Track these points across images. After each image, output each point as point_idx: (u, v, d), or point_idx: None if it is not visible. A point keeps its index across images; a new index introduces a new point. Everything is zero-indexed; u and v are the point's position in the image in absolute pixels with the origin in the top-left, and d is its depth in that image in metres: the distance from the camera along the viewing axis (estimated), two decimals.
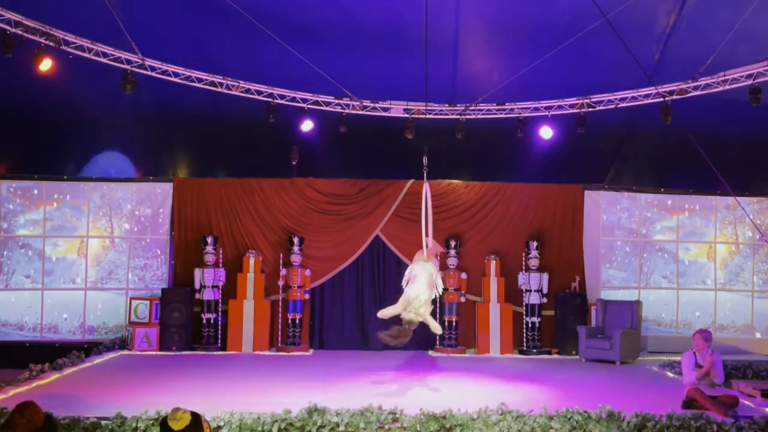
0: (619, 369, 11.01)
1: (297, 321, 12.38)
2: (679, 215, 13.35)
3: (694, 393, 7.74)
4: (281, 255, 12.55)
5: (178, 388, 8.80)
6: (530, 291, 12.51)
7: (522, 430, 6.75)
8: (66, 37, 9.55)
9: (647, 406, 7.38)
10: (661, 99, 10.48)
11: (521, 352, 12.45)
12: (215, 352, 11.96)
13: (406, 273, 9.24)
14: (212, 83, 10.68)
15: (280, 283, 12.45)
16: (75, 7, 9.54)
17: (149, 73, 10.26)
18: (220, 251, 12.39)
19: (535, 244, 12.56)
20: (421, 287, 8.73)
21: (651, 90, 10.52)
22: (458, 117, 11.51)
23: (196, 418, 3.41)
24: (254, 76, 10.88)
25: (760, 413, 7.45)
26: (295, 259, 12.42)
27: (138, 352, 11.75)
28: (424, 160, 9.70)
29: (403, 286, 9.05)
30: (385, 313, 8.80)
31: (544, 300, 12.53)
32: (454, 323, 12.48)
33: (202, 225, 12.69)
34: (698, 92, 10.35)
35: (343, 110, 11.38)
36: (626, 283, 13.18)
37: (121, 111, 11.38)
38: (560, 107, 11.36)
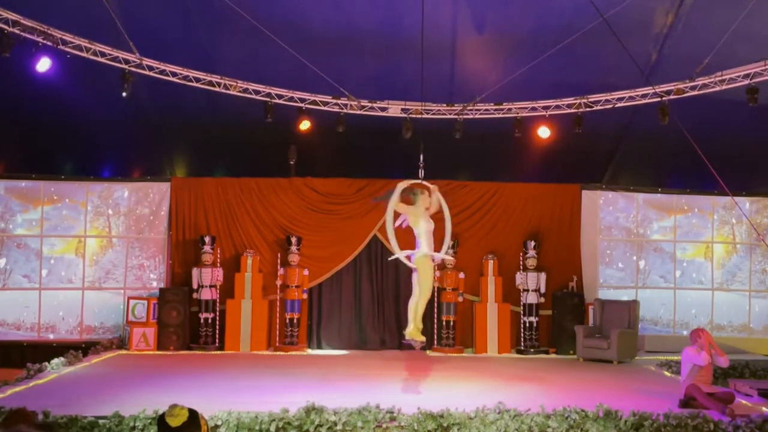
0: (617, 368, 11.03)
1: (295, 321, 12.38)
2: (676, 215, 13.37)
3: (692, 390, 7.75)
4: (279, 255, 12.55)
5: (175, 388, 8.77)
6: (528, 291, 12.52)
7: (519, 429, 6.74)
8: (64, 37, 9.55)
9: (644, 405, 7.38)
10: (659, 99, 10.49)
11: (519, 351, 12.46)
12: (213, 352, 11.96)
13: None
14: (210, 83, 10.68)
15: (278, 282, 12.45)
16: (73, 7, 9.55)
17: (147, 72, 10.27)
18: (218, 251, 12.40)
19: (532, 243, 12.57)
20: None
21: (648, 90, 10.54)
22: (456, 117, 11.53)
23: (193, 414, 3.41)
24: (252, 76, 10.88)
25: (757, 412, 7.46)
26: (293, 258, 12.42)
27: (136, 352, 11.74)
28: (421, 158, 9.68)
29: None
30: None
31: (542, 300, 12.54)
32: (451, 323, 12.48)
33: (199, 225, 12.69)
34: (695, 92, 10.38)
35: (340, 110, 11.38)
36: (623, 282, 13.19)
37: (119, 110, 11.36)
38: (558, 107, 11.38)
